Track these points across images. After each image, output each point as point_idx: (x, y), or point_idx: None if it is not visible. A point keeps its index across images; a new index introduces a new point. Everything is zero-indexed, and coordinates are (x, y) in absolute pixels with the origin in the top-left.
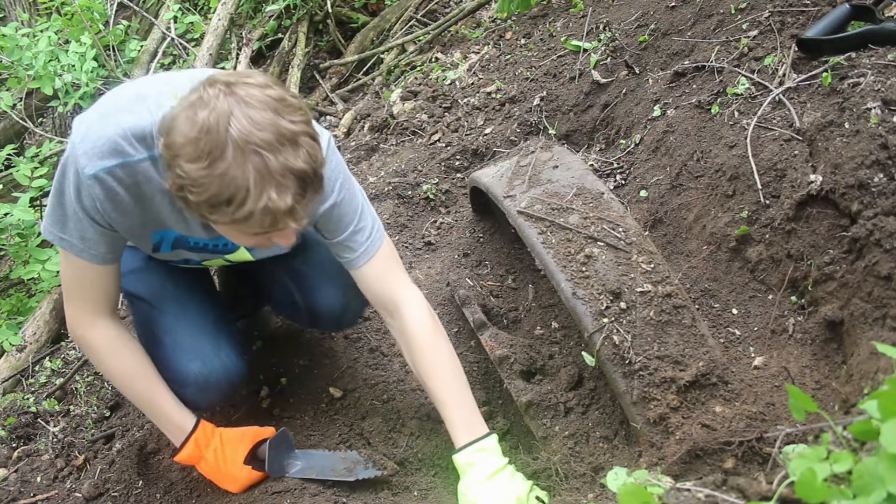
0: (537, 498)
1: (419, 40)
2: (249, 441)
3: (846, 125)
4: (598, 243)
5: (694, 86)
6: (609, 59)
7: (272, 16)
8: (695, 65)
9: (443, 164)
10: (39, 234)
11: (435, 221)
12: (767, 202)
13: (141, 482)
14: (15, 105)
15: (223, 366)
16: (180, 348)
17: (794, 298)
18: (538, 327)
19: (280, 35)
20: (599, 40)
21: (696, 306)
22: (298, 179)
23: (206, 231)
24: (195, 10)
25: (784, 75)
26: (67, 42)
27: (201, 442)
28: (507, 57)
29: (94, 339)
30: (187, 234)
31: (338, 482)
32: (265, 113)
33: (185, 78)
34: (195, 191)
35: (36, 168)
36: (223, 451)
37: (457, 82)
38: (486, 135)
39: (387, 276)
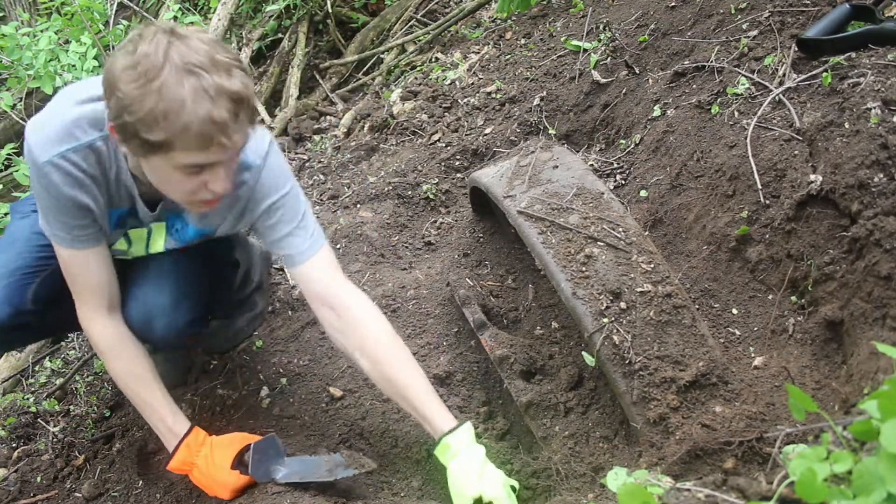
0: (510, 485)
1: (419, 40)
2: (238, 445)
3: (846, 125)
4: (598, 243)
5: (694, 86)
6: (609, 59)
7: (272, 16)
8: (695, 65)
9: (443, 164)
10: None
11: (435, 221)
12: (767, 202)
13: (141, 482)
14: (15, 105)
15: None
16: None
17: (794, 298)
18: (538, 327)
19: (280, 35)
20: (599, 40)
21: (696, 306)
22: (232, 100)
23: (151, 207)
24: (195, 10)
25: (784, 75)
26: (67, 42)
27: (192, 448)
28: (507, 57)
29: (96, 336)
30: (132, 208)
31: (320, 483)
32: (201, 45)
33: None
34: (132, 109)
35: None
36: (212, 457)
37: (457, 82)
38: (486, 135)
39: (331, 273)
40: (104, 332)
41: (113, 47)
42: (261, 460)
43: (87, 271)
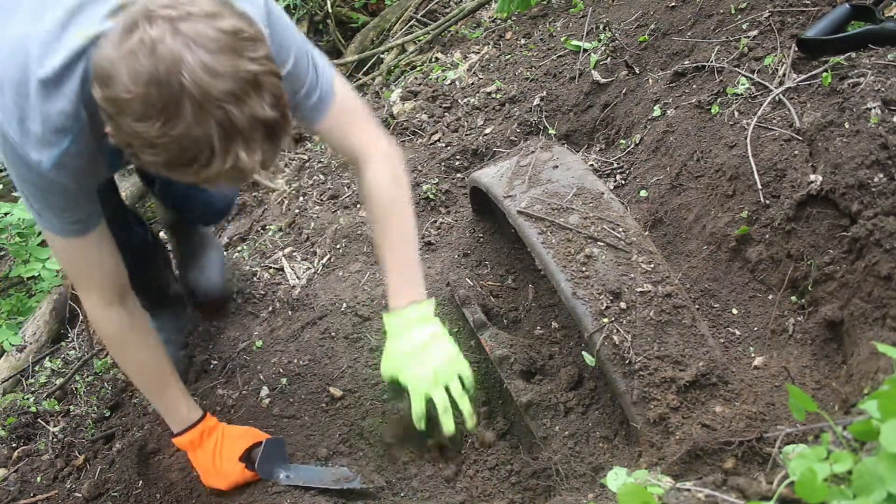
0: (459, 376)
1: (419, 40)
2: (249, 440)
3: (846, 125)
4: (598, 243)
5: (694, 86)
6: (609, 59)
7: None
8: (695, 65)
9: (443, 164)
10: (40, 233)
11: (435, 221)
12: (767, 202)
13: (141, 482)
14: None
15: None
16: None
17: (794, 298)
18: (538, 327)
19: None
20: (599, 40)
21: (696, 306)
22: (267, 129)
23: None
24: None
25: (784, 75)
26: None
27: (205, 433)
28: (507, 57)
29: (105, 327)
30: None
31: (323, 489)
32: (221, 57)
33: None
34: (149, 152)
35: None
36: (221, 445)
37: (457, 82)
38: (486, 135)
39: (345, 129)
40: (117, 322)
41: None
42: (268, 459)
43: (89, 260)
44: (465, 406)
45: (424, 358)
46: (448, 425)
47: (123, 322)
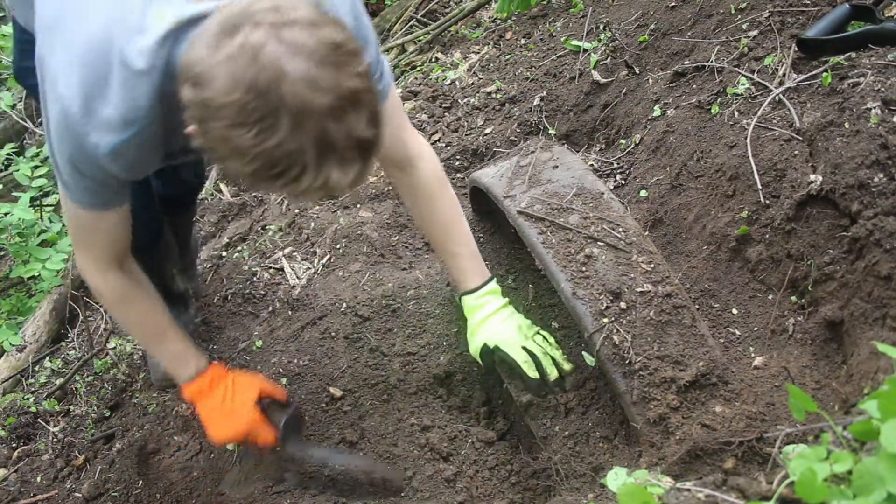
0: (538, 332)
1: (419, 40)
2: (258, 387)
3: (846, 125)
4: (598, 243)
5: (694, 86)
6: (609, 59)
7: None
8: (695, 65)
9: (443, 163)
10: (40, 233)
11: None
12: (767, 202)
13: (141, 482)
14: (15, 105)
15: None
16: None
17: (794, 298)
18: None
19: None
20: (599, 40)
21: (696, 306)
22: (362, 148)
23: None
24: None
25: (784, 75)
26: None
27: (214, 380)
28: (507, 57)
29: (104, 288)
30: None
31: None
32: (322, 70)
33: None
34: (236, 160)
35: (36, 168)
36: (233, 390)
37: (457, 82)
38: (486, 135)
39: (396, 124)
40: (115, 283)
41: None
42: (293, 430)
43: (99, 231)
44: (557, 353)
45: (508, 323)
46: (551, 369)
47: (121, 281)
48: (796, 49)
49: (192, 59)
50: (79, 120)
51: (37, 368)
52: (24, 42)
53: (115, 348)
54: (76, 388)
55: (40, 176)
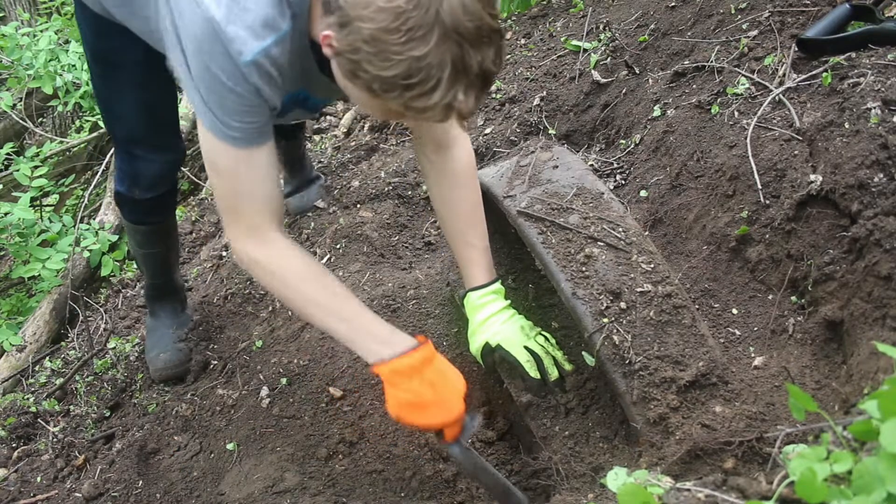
0: (540, 333)
1: None
2: (462, 378)
3: (846, 125)
4: (598, 243)
5: (694, 86)
6: (609, 59)
7: None
8: (695, 65)
9: None
10: (40, 233)
11: (435, 221)
12: (767, 202)
13: (141, 482)
14: (15, 105)
15: None
16: None
17: (794, 298)
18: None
19: None
20: (599, 40)
21: (696, 306)
22: (485, 80)
23: (323, 91)
24: None
25: (784, 75)
26: (67, 42)
27: (427, 360)
28: (507, 57)
29: (273, 261)
30: (308, 93)
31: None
32: (474, 1)
33: None
34: (377, 63)
35: (36, 168)
36: (444, 377)
37: None
38: (485, 135)
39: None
40: (285, 251)
41: None
42: (467, 431)
43: (256, 180)
44: (558, 353)
45: (510, 324)
46: (552, 370)
47: (294, 250)
48: (796, 49)
49: None
50: (224, 28)
51: (37, 368)
52: (101, 24)
53: (114, 348)
54: (76, 388)
55: (40, 176)
